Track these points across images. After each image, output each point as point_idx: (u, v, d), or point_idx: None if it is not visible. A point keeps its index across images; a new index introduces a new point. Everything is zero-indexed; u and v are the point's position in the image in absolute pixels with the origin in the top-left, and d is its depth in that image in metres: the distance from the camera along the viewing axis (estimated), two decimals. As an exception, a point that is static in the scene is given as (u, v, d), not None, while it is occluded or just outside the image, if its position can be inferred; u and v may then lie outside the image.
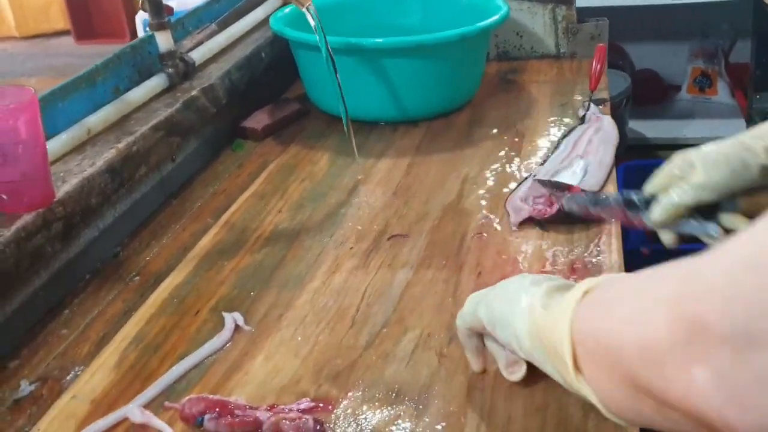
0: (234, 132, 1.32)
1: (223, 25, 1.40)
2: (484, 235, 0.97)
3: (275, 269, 0.94)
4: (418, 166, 1.18)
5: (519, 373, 0.70)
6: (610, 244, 0.92)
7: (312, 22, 1.14)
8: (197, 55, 1.28)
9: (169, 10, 1.21)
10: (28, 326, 0.86)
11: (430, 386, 0.73)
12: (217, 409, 0.69)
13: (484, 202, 1.05)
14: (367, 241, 0.98)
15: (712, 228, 0.75)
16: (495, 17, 1.31)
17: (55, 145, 0.97)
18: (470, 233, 0.98)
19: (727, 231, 0.74)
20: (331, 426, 0.69)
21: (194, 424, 0.69)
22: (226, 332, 0.82)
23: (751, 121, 2.47)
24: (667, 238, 0.79)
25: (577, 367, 0.53)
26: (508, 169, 1.14)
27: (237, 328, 0.83)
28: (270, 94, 1.43)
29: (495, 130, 1.28)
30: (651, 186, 0.78)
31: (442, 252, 0.94)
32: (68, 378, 0.78)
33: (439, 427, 0.68)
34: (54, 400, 0.75)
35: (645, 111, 2.76)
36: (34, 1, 1.85)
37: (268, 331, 0.82)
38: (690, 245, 0.70)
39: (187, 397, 0.72)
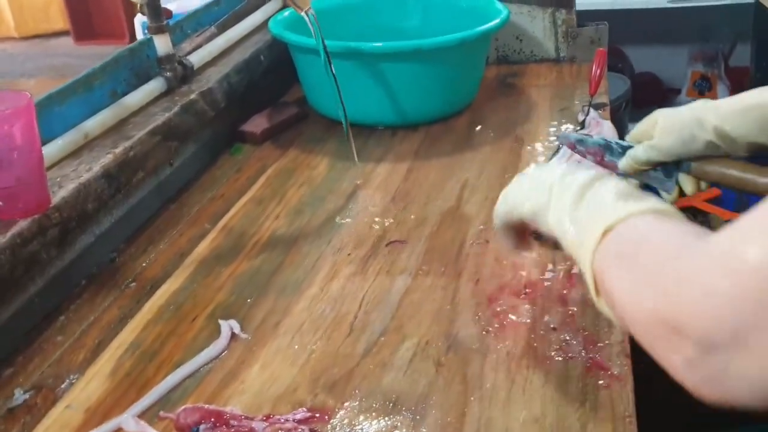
0: (232, 136, 1.31)
1: (222, 29, 1.39)
2: (484, 241, 0.96)
3: (273, 275, 0.93)
4: (418, 170, 1.18)
5: None
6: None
7: (311, 28, 1.13)
8: (196, 59, 1.27)
9: (168, 13, 1.20)
10: (23, 333, 0.85)
11: (427, 396, 0.72)
12: (213, 420, 0.69)
13: (483, 208, 1.04)
14: (365, 247, 0.98)
15: (668, 185, 0.84)
16: (495, 21, 1.31)
17: (52, 150, 0.96)
18: (469, 240, 0.97)
19: (681, 190, 0.84)
20: (328, 436, 0.68)
21: (189, 434, 0.69)
22: (222, 340, 0.81)
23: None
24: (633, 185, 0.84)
25: (597, 291, 0.60)
26: (507, 175, 1.13)
27: (233, 336, 0.82)
28: (269, 97, 1.43)
29: (494, 135, 1.27)
30: (629, 136, 0.88)
31: (441, 258, 0.94)
32: (63, 386, 0.77)
33: (436, 438, 0.67)
34: (48, 409, 0.74)
35: (645, 114, 2.69)
36: (33, 1, 1.84)
37: (264, 339, 0.82)
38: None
39: (182, 407, 0.71)
